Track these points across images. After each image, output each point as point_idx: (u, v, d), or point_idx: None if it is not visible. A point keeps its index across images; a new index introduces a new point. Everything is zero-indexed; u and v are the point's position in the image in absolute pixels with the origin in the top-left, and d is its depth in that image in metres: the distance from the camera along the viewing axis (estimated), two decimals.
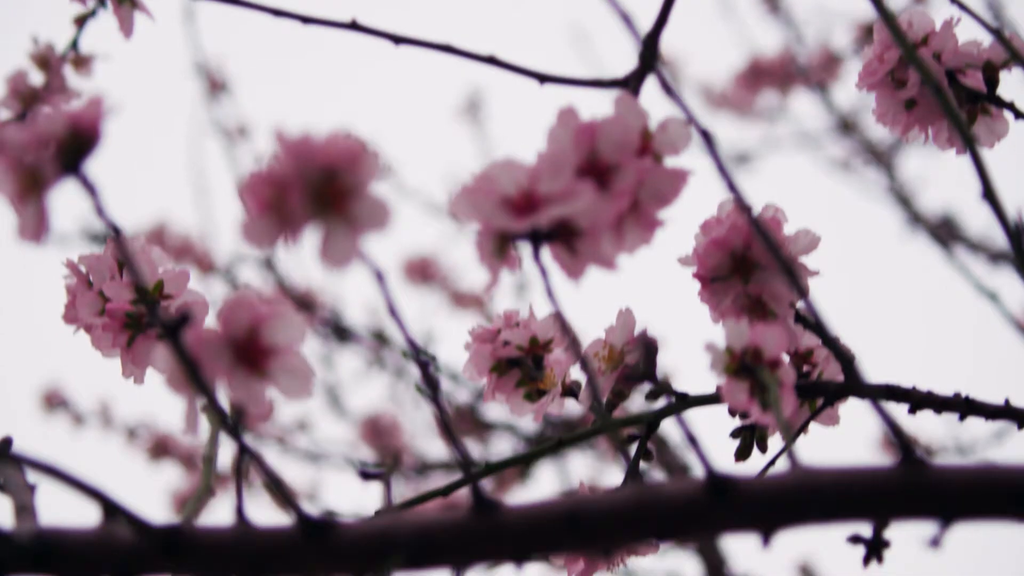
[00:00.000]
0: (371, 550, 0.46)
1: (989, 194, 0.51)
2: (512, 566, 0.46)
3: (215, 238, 2.58)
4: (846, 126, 2.76)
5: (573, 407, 0.77)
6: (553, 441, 0.65)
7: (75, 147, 0.44)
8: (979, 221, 2.30)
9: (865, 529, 0.53)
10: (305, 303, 2.25)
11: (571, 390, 0.68)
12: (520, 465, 0.63)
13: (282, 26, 0.85)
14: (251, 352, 0.48)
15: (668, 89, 0.51)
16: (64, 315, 0.74)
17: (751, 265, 0.61)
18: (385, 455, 2.37)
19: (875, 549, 0.53)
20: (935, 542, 0.45)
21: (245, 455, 0.46)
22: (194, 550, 0.46)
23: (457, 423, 2.28)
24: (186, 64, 2.51)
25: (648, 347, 0.64)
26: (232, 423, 0.46)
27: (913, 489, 0.45)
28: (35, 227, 0.45)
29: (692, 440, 0.45)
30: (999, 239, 2.25)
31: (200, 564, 0.46)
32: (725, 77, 2.95)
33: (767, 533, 0.45)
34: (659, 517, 0.45)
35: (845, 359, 0.62)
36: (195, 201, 2.31)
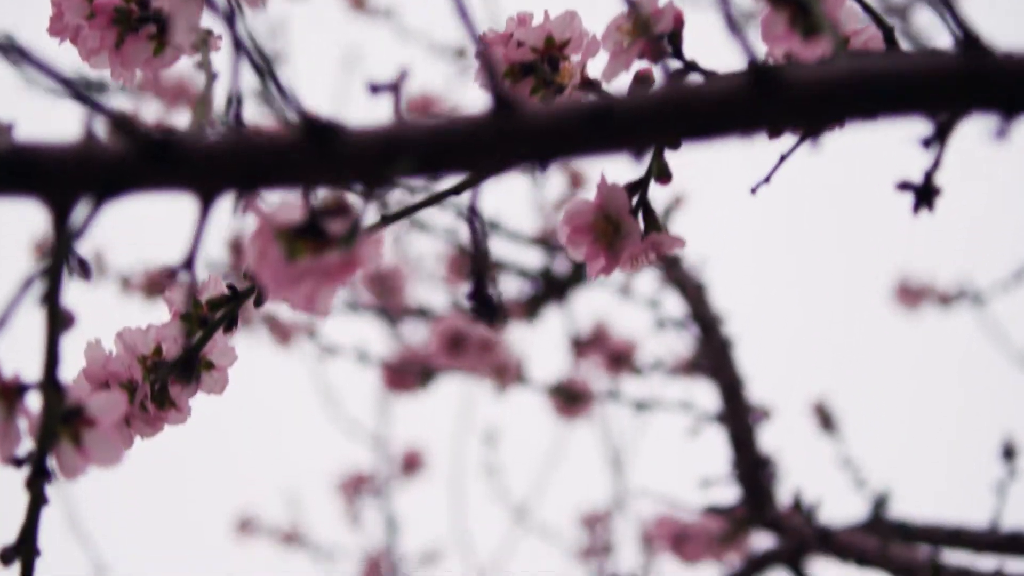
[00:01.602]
0: (380, 154, 0.42)
1: None
2: (532, 169, 0.42)
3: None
4: None
5: None
6: None
7: None
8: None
9: (915, 173, 0.49)
10: None
11: (591, 83, 0.63)
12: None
13: None
14: None
15: None
16: (49, 27, 0.69)
17: None
18: (388, 301, 2.33)
19: (925, 196, 0.49)
20: (1001, 133, 0.41)
21: (240, 51, 0.42)
22: (187, 158, 0.42)
23: (463, 265, 2.24)
24: None
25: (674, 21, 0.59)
26: (227, 14, 0.42)
27: (975, 75, 0.40)
28: None
29: (732, 26, 0.41)
30: None
31: (194, 174, 0.42)
32: None
33: (815, 129, 0.41)
34: (697, 113, 0.41)
35: (886, 28, 0.58)
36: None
